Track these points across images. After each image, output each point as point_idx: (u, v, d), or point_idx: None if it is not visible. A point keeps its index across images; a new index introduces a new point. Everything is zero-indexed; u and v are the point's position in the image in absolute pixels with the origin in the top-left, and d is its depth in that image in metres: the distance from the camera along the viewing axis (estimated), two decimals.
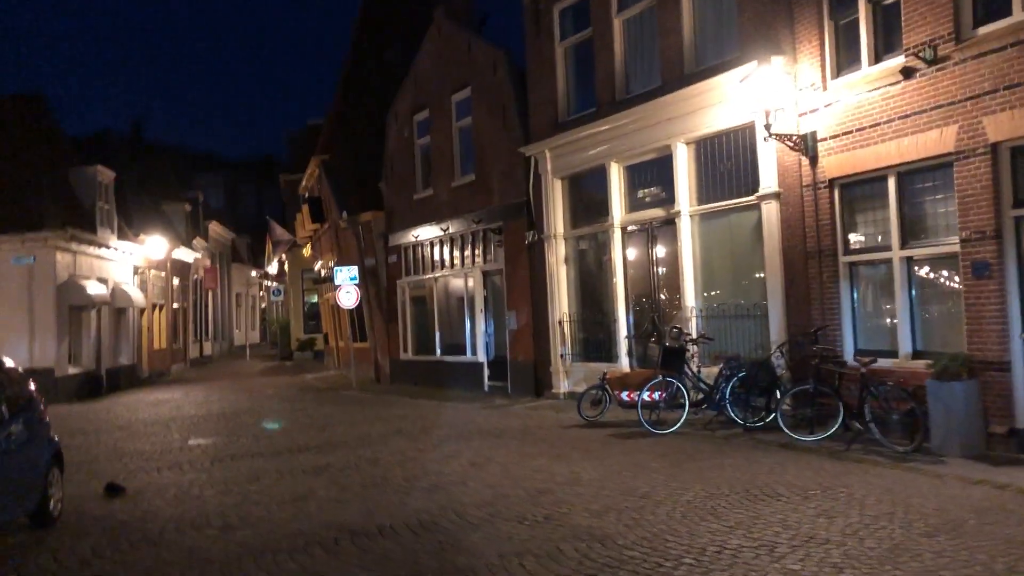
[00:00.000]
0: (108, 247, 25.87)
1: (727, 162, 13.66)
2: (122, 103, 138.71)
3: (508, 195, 18.78)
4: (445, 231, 21.32)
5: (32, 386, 9.41)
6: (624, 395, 13.00)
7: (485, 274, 19.98)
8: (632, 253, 15.73)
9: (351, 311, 25.52)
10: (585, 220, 17.00)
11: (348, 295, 24.50)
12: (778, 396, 11.60)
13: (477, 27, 21.25)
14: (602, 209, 16.20)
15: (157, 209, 34.82)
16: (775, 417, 11.37)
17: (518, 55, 18.99)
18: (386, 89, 26.62)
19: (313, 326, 41.57)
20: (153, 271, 31.30)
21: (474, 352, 20.24)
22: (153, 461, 12.17)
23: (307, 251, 37.25)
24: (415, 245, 23.08)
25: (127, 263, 27.99)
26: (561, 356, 17.16)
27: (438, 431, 13.81)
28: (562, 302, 17.24)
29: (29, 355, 22.38)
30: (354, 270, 24.62)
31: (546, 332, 17.54)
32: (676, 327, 12.75)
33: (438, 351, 21.90)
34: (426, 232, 22.23)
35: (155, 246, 29.60)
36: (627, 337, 15.59)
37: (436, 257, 22.12)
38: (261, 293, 60.50)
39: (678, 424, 12.04)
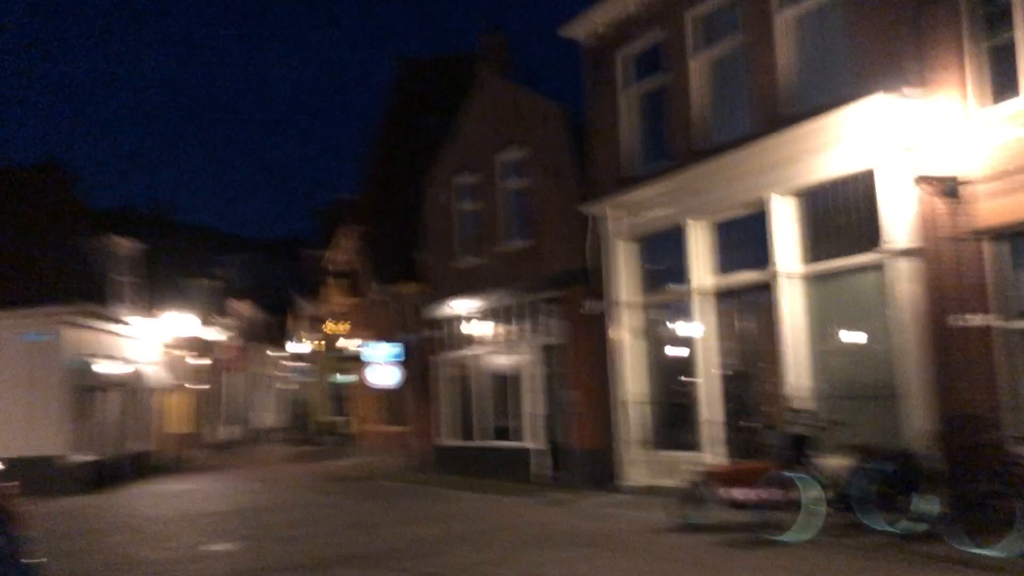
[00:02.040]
0: (124, 323, 24.09)
1: (839, 215, 11.71)
2: (146, 185, 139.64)
3: (565, 260, 16.87)
4: (491, 302, 19.38)
5: None
6: (730, 493, 10.78)
7: (540, 349, 17.93)
8: (718, 323, 13.66)
9: (384, 392, 23.47)
10: (657, 286, 15.01)
11: (381, 373, 22.57)
12: (929, 496, 9.35)
13: (525, 82, 19.72)
14: (678, 273, 14.22)
15: (179, 285, 33.14)
16: (930, 523, 9.12)
17: (573, 108, 17.40)
18: (421, 157, 25.16)
19: (339, 408, 39.43)
20: (173, 350, 29.46)
21: (525, 438, 18.04)
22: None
23: (333, 328, 35.41)
24: (456, 318, 21.14)
25: (145, 341, 26.18)
26: (631, 443, 14.96)
27: (504, 535, 11.58)
28: (631, 380, 15.14)
29: (34, 441, 20.40)
30: (391, 346, 22.72)
31: (612, 415, 15.39)
32: (797, 409, 10.57)
33: (483, 436, 19.72)
34: (469, 304, 20.31)
35: (175, 323, 27.83)
36: (715, 422, 13.40)
37: (480, 331, 20.13)
38: (284, 374, 58.57)
39: (804, 530, 9.77)
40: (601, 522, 12.37)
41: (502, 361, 19.68)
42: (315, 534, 12.52)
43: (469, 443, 20.01)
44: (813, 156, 11.77)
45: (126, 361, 24.61)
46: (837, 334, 12.04)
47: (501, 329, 19.39)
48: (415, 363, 22.92)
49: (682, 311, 14.44)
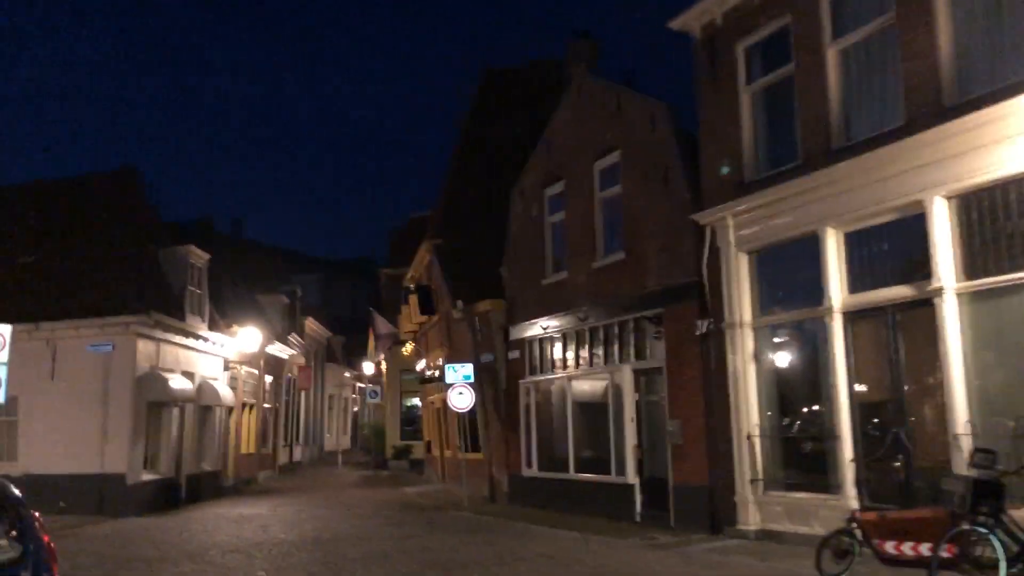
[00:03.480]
0: (197, 337, 23.18)
1: (1014, 220, 9.90)
2: (220, 203, 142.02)
3: (670, 275, 15.26)
4: (583, 321, 17.83)
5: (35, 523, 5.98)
6: (890, 546, 8.99)
7: (637, 373, 16.28)
8: (856, 345, 11.87)
9: (461, 416, 22.06)
10: (784, 304, 13.27)
11: (461, 396, 21.12)
12: None
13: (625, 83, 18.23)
14: (810, 289, 12.46)
15: (252, 300, 32.45)
16: None
17: (680, 109, 15.89)
18: (504, 169, 23.96)
19: (410, 432, 38.14)
20: (245, 367, 28.56)
21: (621, 471, 16.35)
22: None
23: (408, 349, 34.19)
24: (543, 339, 19.62)
25: (217, 356, 25.27)
26: (751, 482, 13.18)
27: None
28: (751, 410, 13.37)
29: (100, 458, 19.49)
30: (468, 368, 21.29)
31: (727, 449, 13.64)
32: (986, 450, 8.74)
33: (572, 467, 18.06)
34: (557, 323, 18.79)
35: (249, 339, 26.90)
36: (852, 460, 11.58)
37: (571, 352, 18.56)
38: (354, 395, 57.76)
39: None
40: (721, 571, 10.65)
41: (592, 386, 18.09)
42: (395, 574, 11.05)
43: (560, 475, 18.35)
44: (980, 153, 10.02)
45: (199, 377, 23.69)
46: (1012, 362, 10.17)
47: (592, 351, 17.81)
48: (495, 386, 21.47)
49: (812, 332, 12.69)
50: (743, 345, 13.52)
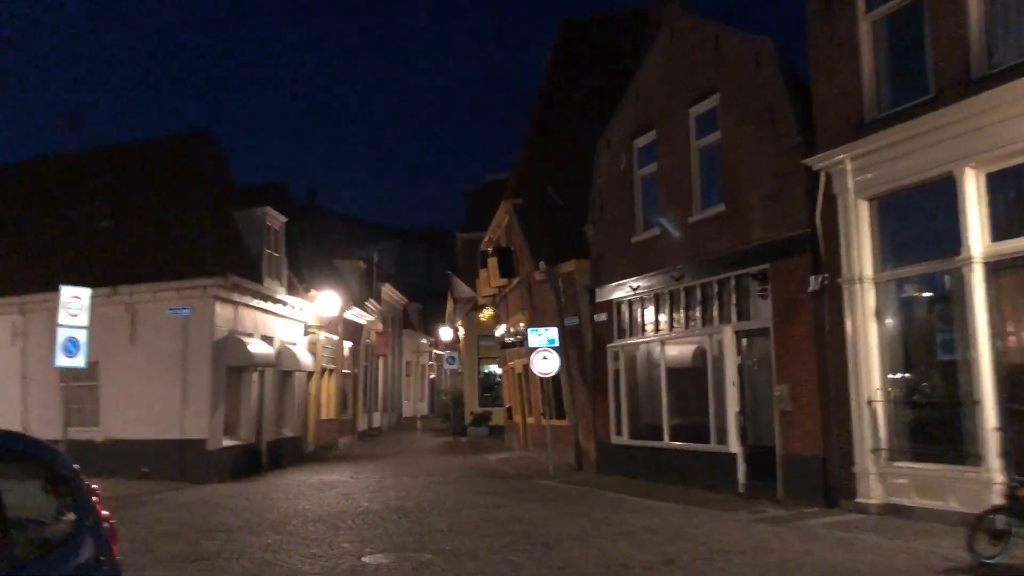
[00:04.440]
0: (275, 300, 22.76)
1: None
2: (294, 176, 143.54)
3: (777, 227, 14.01)
4: (678, 280, 16.69)
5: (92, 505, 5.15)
6: None
7: (739, 334, 15.10)
8: (1005, 300, 10.53)
9: (544, 382, 21.18)
10: (911, 255, 11.92)
11: (545, 361, 20.24)
12: None
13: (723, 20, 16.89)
14: (943, 238, 11.11)
15: (329, 266, 32.08)
16: None
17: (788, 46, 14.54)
18: (584, 124, 22.86)
19: (489, 399, 37.56)
20: (323, 332, 28.19)
21: (722, 439, 15.24)
22: None
23: (486, 314, 33.46)
24: (632, 300, 18.55)
25: (295, 321, 24.89)
26: (872, 451, 11.98)
27: (733, 565, 8.96)
28: (872, 373, 12.13)
29: (181, 423, 19.22)
30: (552, 331, 20.38)
31: (843, 416, 12.44)
32: None
33: (666, 435, 17.03)
34: (649, 283, 17.69)
35: (327, 303, 26.48)
36: (1000, 429, 10.28)
37: (663, 314, 17.46)
38: (431, 362, 57.61)
39: None
40: (851, 552, 9.54)
41: (687, 349, 16.96)
42: (484, 548, 10.25)
43: (653, 443, 17.33)
44: None
45: (278, 341, 23.33)
46: None
47: (687, 312, 16.68)
48: (580, 350, 20.52)
49: (945, 285, 11.39)
50: (863, 302, 12.25)
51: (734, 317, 15.23)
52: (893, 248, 12.21)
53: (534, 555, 9.75)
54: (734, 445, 14.96)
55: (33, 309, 20.36)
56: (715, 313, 15.74)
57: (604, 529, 11.50)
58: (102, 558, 4.49)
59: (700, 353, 16.30)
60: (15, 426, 20.31)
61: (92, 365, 19.49)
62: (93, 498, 4.71)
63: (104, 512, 4.76)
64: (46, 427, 18.99)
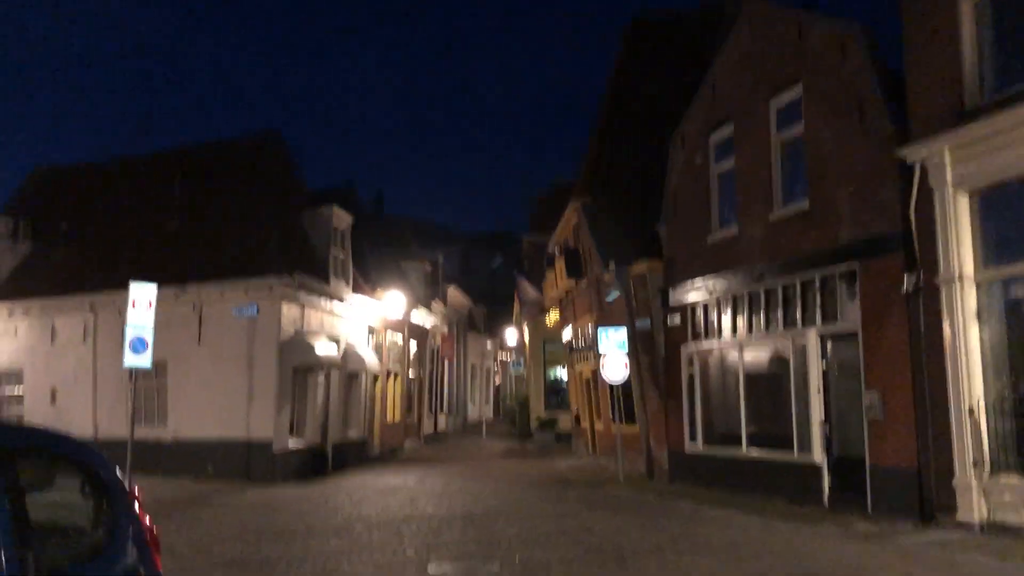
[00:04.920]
0: (341, 301, 22.57)
1: None
2: (361, 180, 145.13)
3: (867, 224, 13.16)
4: (757, 281, 15.90)
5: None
6: None
7: (824, 338, 14.26)
8: None
9: (614, 387, 20.51)
10: (1017, 253, 11.00)
11: (615, 366, 19.63)
12: None
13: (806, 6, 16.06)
14: None
15: (395, 267, 31.90)
16: None
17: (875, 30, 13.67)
18: (654, 123, 22.25)
19: (555, 403, 36.97)
20: (389, 333, 27.98)
21: (805, 449, 14.41)
22: None
23: (552, 318, 32.90)
24: (708, 302, 17.78)
25: (361, 321, 24.69)
26: (974, 465, 11.08)
27: None
28: (973, 380, 11.23)
29: (246, 424, 19.10)
30: (622, 334, 19.74)
31: (942, 426, 11.56)
32: None
33: (744, 444, 16.23)
34: (726, 284, 16.92)
35: (393, 303, 26.25)
36: None
37: (741, 316, 16.67)
38: (496, 366, 57.24)
39: None
40: (952, 574, 8.71)
41: (767, 353, 16.15)
42: (555, 560, 9.68)
43: (730, 451, 16.55)
44: None
45: (344, 342, 23.14)
46: None
47: (767, 314, 15.86)
48: (652, 354, 19.80)
49: None
50: (963, 303, 11.36)
51: (818, 320, 14.38)
52: (997, 245, 11.29)
53: (608, 570, 9.16)
54: (818, 455, 14.12)
55: (103, 307, 20.52)
56: (798, 315, 14.91)
57: (682, 543, 10.84)
58: (142, 569, 4.06)
59: (781, 358, 15.48)
60: (86, 425, 20.54)
61: (160, 365, 19.58)
62: (135, 503, 4.30)
63: (147, 519, 4.34)
64: (115, 426, 19.13)
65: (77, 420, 20.76)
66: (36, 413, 21.57)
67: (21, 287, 22.60)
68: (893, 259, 12.54)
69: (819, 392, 14.19)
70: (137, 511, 4.19)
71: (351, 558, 9.93)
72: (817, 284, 14.41)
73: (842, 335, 13.89)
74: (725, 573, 8.90)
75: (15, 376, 22.23)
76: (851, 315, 13.59)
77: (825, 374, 14.25)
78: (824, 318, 14.28)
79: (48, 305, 21.64)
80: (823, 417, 14.12)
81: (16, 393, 22.30)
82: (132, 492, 4.25)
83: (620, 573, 8.99)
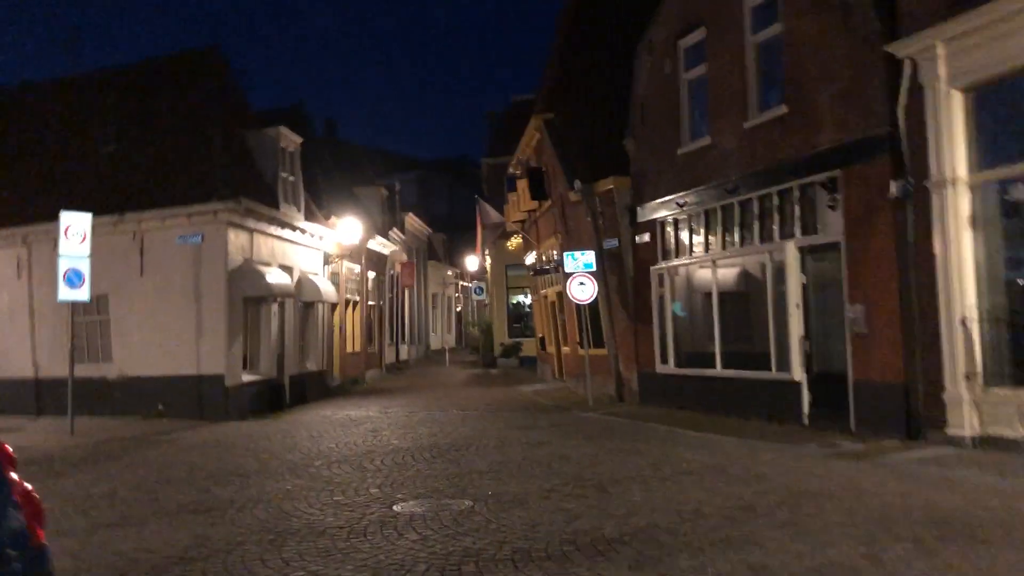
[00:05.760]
0: (293, 228, 21.44)
1: None
2: (312, 108, 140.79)
3: (850, 127, 12.36)
4: (732, 193, 15.13)
5: None
6: None
7: (803, 251, 13.59)
8: None
9: (581, 309, 19.84)
10: (1015, 153, 10.29)
11: (582, 287, 18.96)
12: None
13: None
14: None
15: (349, 193, 30.68)
16: None
17: None
18: (618, 31, 21.24)
19: (519, 329, 36.42)
20: (346, 262, 26.94)
21: (784, 367, 13.86)
22: (335, 557, 6.75)
23: (514, 242, 32.03)
24: (679, 218, 17.03)
25: (315, 249, 23.60)
26: (966, 377, 10.55)
27: (824, 510, 7.62)
28: (966, 289, 10.64)
29: (196, 359, 18.11)
30: (590, 255, 19.04)
31: (931, 338, 11.00)
32: None
33: (719, 363, 15.67)
34: (698, 198, 16.15)
35: (349, 230, 25.18)
36: None
37: (715, 231, 15.95)
38: (457, 294, 56.50)
39: None
40: (958, 494, 8.15)
41: (742, 269, 15.50)
42: (532, 493, 9.00)
43: (704, 371, 16.01)
44: None
45: (297, 271, 22.08)
46: None
47: (742, 228, 15.15)
48: (620, 275, 19.10)
49: None
50: (956, 208, 10.69)
51: (797, 232, 13.68)
52: (993, 146, 10.58)
53: (589, 500, 8.49)
54: (797, 372, 13.58)
55: (37, 240, 19.22)
56: (775, 228, 14.20)
57: (663, 468, 10.22)
58: (10, 549, 3.15)
59: (757, 273, 14.83)
60: (25, 364, 19.40)
61: (101, 299, 18.48)
62: (8, 467, 3.34)
63: (26, 485, 3.41)
64: (56, 365, 18.09)
65: (15, 360, 19.63)
66: None
67: None
68: (879, 164, 11.81)
69: (798, 307, 13.58)
70: (8, 475, 3.23)
71: (309, 498, 9.16)
72: (796, 194, 13.67)
73: (823, 247, 13.22)
74: (713, 499, 8.28)
75: None
76: (833, 225, 12.90)
77: (804, 288, 13.62)
78: (804, 230, 13.59)
79: None
80: (803, 333, 13.55)
81: None
82: (5, 451, 3.31)
83: (602, 503, 8.32)
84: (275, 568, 6.53)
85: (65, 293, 15.68)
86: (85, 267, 15.80)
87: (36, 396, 19.25)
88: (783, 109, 13.79)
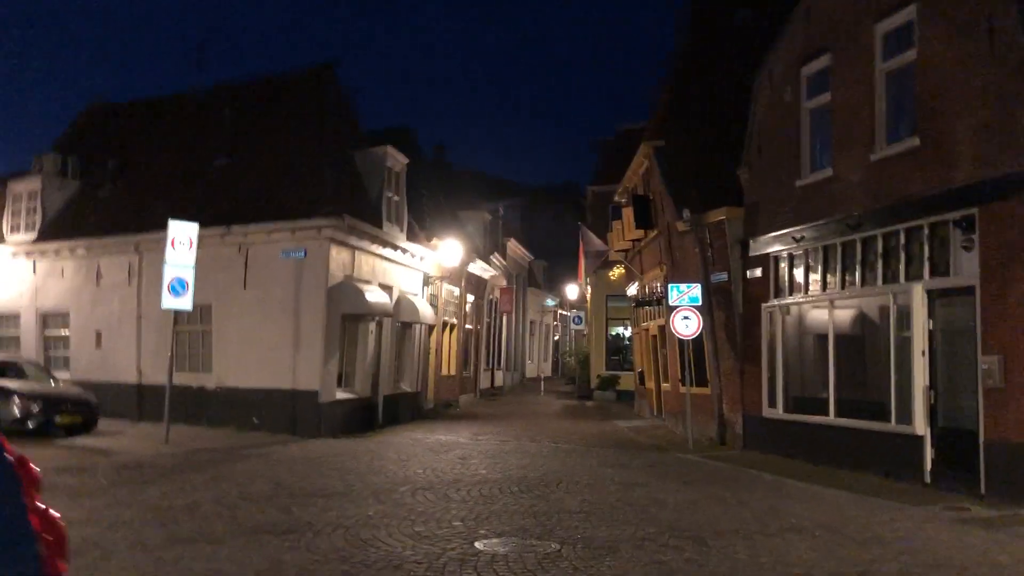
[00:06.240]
0: (395, 247, 21.35)
1: None
2: (422, 134, 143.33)
3: (992, 163, 11.32)
4: (854, 229, 14.16)
5: None
6: None
7: (932, 294, 12.53)
8: None
9: (685, 345, 19.00)
10: None
11: (686, 321, 18.13)
12: None
13: None
14: None
15: (453, 215, 30.61)
16: None
17: None
18: (735, 59, 20.45)
19: (616, 362, 35.54)
20: (445, 284, 26.78)
21: (905, 419, 12.76)
22: None
23: (616, 273, 31.30)
24: (795, 253, 16.10)
25: (416, 270, 23.49)
26: None
27: None
28: None
29: (292, 374, 18.10)
30: (696, 288, 18.20)
31: None
32: None
33: (832, 411, 14.62)
34: (816, 233, 15.20)
35: (450, 252, 24.98)
36: None
37: (833, 270, 14.97)
38: (555, 322, 55.97)
39: None
40: None
41: (862, 311, 14.47)
42: (624, 540, 8.34)
43: (815, 418, 14.97)
44: None
45: (395, 290, 21.97)
46: None
47: (864, 267, 14.14)
48: (728, 310, 18.21)
49: None
50: None
51: (926, 273, 12.63)
52: None
53: (687, 554, 7.79)
54: (920, 426, 12.48)
55: (148, 248, 19.64)
56: (901, 268, 13.17)
57: (769, 522, 9.41)
58: None
59: (878, 316, 13.80)
60: (130, 370, 19.81)
61: (204, 308, 18.71)
62: (30, 489, 2.92)
63: (51, 512, 2.99)
64: (159, 372, 18.34)
65: (122, 364, 20.08)
66: (82, 356, 20.96)
67: (68, 227, 21.92)
68: (1022, 202, 10.75)
69: (924, 355, 12.50)
70: (28, 500, 2.83)
71: (390, 527, 8.74)
72: (926, 232, 12.64)
73: (955, 291, 12.14)
74: (825, 562, 7.47)
75: (62, 318, 21.63)
76: (967, 267, 11.83)
77: (932, 335, 12.54)
78: (933, 271, 12.53)
79: (94, 245, 20.88)
80: (927, 383, 12.46)
81: (62, 334, 21.71)
82: (30, 473, 2.91)
83: (700, 558, 7.61)
84: None
85: (168, 301, 15.89)
86: (189, 276, 15.98)
87: (138, 401, 19.62)
88: (915, 141, 12.80)
